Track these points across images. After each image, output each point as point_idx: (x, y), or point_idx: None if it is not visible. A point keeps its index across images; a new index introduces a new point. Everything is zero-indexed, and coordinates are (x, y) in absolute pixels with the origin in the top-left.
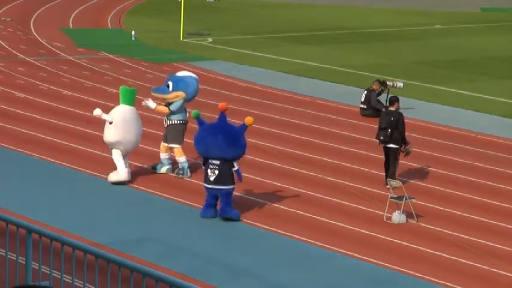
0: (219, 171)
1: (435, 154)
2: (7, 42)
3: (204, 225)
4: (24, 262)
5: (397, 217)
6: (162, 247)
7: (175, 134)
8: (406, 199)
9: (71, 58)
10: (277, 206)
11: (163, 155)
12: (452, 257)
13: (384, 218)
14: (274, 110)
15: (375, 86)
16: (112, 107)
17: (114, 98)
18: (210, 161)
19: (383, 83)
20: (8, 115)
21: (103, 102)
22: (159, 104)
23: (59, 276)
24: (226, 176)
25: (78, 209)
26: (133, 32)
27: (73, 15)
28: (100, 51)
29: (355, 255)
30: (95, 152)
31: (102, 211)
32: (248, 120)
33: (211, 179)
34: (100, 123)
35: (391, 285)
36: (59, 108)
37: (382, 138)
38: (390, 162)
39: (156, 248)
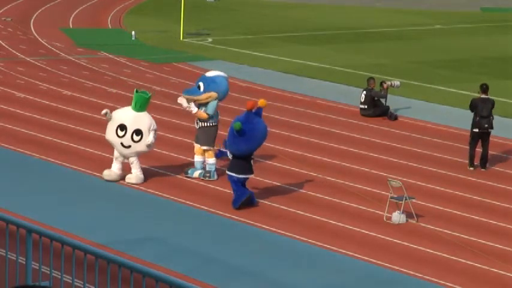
0: None
1: (435, 154)
2: (7, 42)
3: (204, 225)
4: (24, 262)
5: (397, 217)
6: (162, 247)
7: (207, 136)
8: (406, 199)
9: (71, 58)
10: (278, 206)
11: (198, 158)
12: (452, 257)
13: (384, 218)
14: (274, 110)
15: (371, 84)
16: (113, 107)
17: (114, 98)
18: None
19: (371, 79)
20: (8, 115)
21: (103, 102)
22: (198, 109)
23: (59, 276)
24: None
25: (78, 209)
26: (133, 32)
27: (73, 15)
28: (100, 51)
29: (355, 255)
30: (95, 152)
31: (102, 211)
32: (261, 102)
33: None
34: (101, 124)
35: (391, 285)
36: (59, 108)
37: (486, 125)
38: (484, 145)
39: (156, 248)
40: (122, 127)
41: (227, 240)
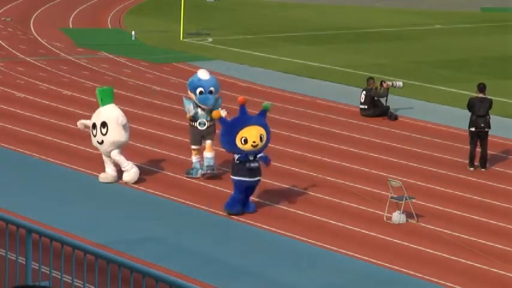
0: None
1: (435, 154)
2: (7, 42)
3: (203, 225)
4: (24, 262)
5: (397, 217)
6: (162, 247)
7: (213, 131)
8: (406, 199)
9: (71, 58)
10: (277, 206)
11: (196, 158)
12: (452, 257)
13: (384, 218)
14: (274, 110)
15: (371, 84)
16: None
17: (114, 98)
18: None
19: (371, 78)
20: (8, 115)
21: None
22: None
23: (59, 276)
24: None
25: (78, 209)
26: (133, 32)
27: (73, 15)
28: (100, 51)
29: (355, 255)
30: (95, 152)
31: (102, 211)
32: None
33: None
34: None
35: (390, 285)
36: (59, 108)
37: (483, 125)
38: (483, 145)
39: (156, 248)
40: (94, 126)
41: (227, 240)
